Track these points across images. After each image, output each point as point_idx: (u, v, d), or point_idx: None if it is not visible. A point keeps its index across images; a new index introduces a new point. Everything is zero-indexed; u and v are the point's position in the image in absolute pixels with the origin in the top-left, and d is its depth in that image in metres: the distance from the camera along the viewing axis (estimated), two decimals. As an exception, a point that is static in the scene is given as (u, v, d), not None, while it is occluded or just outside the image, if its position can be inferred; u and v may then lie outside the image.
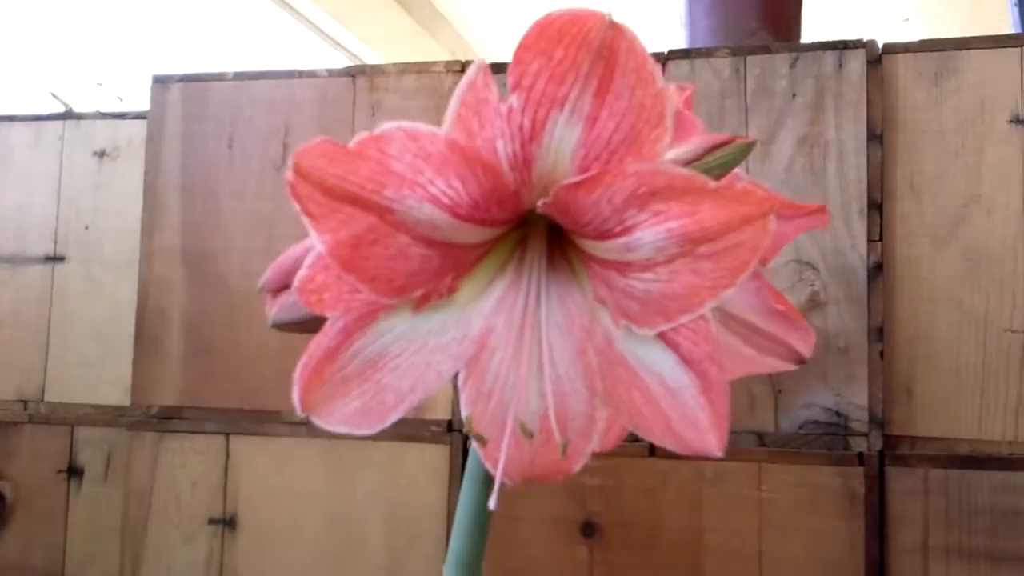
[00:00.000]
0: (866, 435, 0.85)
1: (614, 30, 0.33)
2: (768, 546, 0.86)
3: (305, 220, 0.33)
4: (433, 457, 0.94)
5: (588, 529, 0.90)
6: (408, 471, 0.95)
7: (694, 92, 0.87)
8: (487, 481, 0.43)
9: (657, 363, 0.38)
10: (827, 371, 0.86)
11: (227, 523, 0.99)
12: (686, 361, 0.37)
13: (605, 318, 0.38)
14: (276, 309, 0.44)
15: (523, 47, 0.33)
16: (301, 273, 0.35)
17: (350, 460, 0.97)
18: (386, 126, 0.33)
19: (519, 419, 0.39)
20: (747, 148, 0.43)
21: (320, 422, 0.37)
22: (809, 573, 0.85)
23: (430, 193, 0.34)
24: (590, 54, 0.33)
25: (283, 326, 0.45)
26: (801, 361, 0.45)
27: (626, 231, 0.35)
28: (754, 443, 0.87)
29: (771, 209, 0.33)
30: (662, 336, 0.37)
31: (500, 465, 0.38)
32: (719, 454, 0.37)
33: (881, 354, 0.86)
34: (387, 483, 0.96)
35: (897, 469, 0.85)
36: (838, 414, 0.86)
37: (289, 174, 0.32)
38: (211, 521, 0.99)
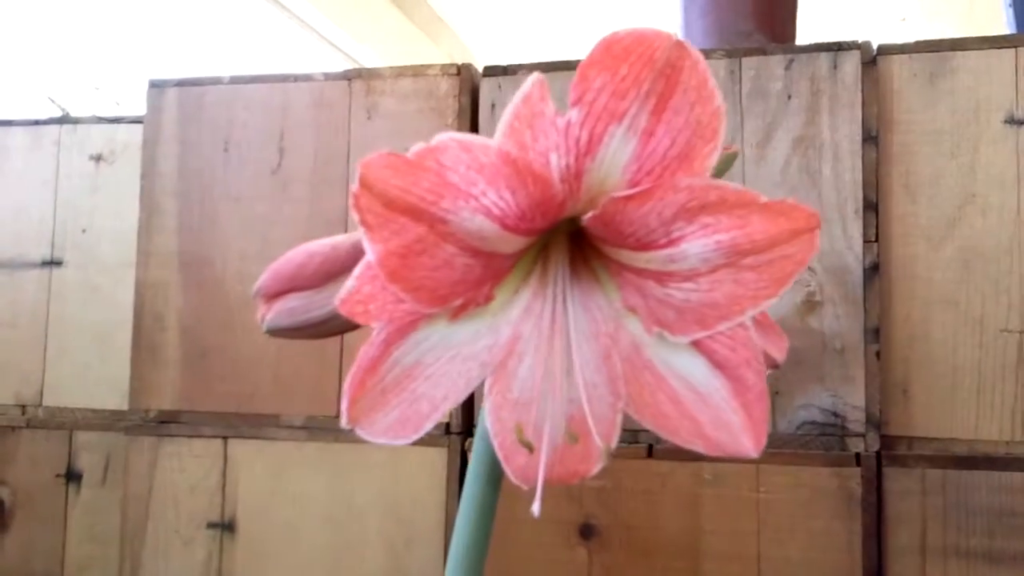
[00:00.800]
0: (863, 436, 0.85)
1: (679, 49, 0.33)
2: (766, 547, 0.86)
3: (361, 230, 0.34)
4: (431, 460, 0.95)
5: (586, 531, 0.90)
6: (406, 474, 0.95)
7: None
8: (492, 483, 0.44)
9: (687, 368, 0.39)
10: (824, 372, 0.86)
11: (226, 527, 0.99)
12: (720, 366, 0.38)
13: (633, 325, 0.39)
14: (273, 315, 0.44)
15: (589, 63, 0.33)
16: (348, 284, 0.36)
17: (348, 463, 0.97)
18: (441, 137, 0.33)
19: (558, 425, 0.39)
20: (731, 159, 0.44)
21: (363, 433, 0.38)
22: (807, 574, 0.85)
23: (482, 204, 0.34)
24: (652, 72, 0.33)
25: (279, 332, 0.45)
26: (775, 366, 0.46)
27: (672, 243, 0.36)
28: (751, 444, 0.87)
29: (818, 224, 0.35)
30: (696, 342, 0.38)
31: (540, 470, 0.38)
32: (755, 455, 0.38)
33: (878, 355, 0.86)
34: (385, 486, 0.96)
35: (894, 470, 0.85)
36: (835, 415, 0.86)
37: (354, 185, 0.33)
38: (210, 525, 0.99)
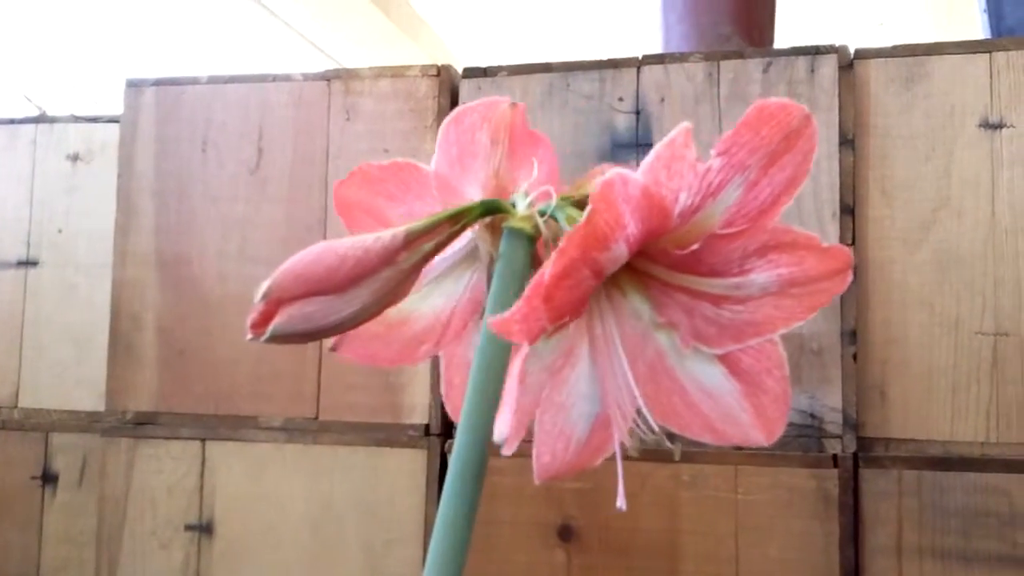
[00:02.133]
0: (840, 437, 0.86)
1: (806, 120, 0.39)
2: (744, 548, 0.86)
3: (554, 255, 0.36)
4: (411, 462, 0.94)
5: (565, 533, 0.90)
6: (385, 476, 0.95)
7: (668, 96, 0.88)
8: (473, 482, 0.45)
9: (704, 373, 0.44)
10: (801, 374, 0.87)
11: (203, 529, 0.99)
12: (741, 373, 0.44)
13: (663, 337, 0.45)
14: (285, 319, 0.41)
15: (745, 123, 0.38)
16: (518, 305, 0.37)
17: (327, 465, 0.96)
18: (610, 172, 0.36)
19: (588, 423, 0.44)
20: None
21: (506, 449, 0.40)
22: (784, 575, 0.85)
23: (626, 233, 0.38)
24: (782, 135, 0.39)
25: (284, 338, 0.42)
26: None
27: (742, 272, 0.41)
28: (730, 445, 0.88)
29: (853, 263, 0.42)
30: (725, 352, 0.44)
31: (619, 467, 0.42)
32: (767, 444, 0.44)
33: (854, 357, 0.87)
34: (364, 488, 0.95)
35: (871, 471, 0.86)
36: (812, 416, 0.86)
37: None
38: (187, 527, 0.99)
